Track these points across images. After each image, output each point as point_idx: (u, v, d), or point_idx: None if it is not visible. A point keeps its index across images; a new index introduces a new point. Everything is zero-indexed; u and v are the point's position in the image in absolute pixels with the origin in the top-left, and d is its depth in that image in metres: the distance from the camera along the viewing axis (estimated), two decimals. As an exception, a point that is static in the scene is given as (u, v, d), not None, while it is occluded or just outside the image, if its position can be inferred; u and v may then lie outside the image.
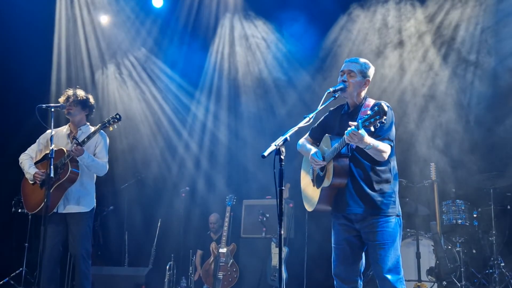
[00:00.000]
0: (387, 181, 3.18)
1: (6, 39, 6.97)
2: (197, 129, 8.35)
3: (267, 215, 6.88)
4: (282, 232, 2.78)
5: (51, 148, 4.12)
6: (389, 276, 3.07)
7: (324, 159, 3.23)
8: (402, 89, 7.03)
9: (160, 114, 8.38)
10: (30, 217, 6.45)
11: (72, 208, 4.44)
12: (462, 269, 5.68)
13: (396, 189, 3.24)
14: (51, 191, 4.19)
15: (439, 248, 5.74)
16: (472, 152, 6.33)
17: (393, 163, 3.25)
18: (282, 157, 2.80)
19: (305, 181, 3.56)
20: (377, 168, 3.17)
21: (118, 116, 4.35)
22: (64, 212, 4.43)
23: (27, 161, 4.60)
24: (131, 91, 8.39)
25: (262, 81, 8.03)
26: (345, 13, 7.45)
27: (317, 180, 3.36)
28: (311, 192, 3.43)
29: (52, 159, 4.10)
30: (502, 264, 5.71)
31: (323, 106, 3.12)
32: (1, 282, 6.18)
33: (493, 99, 6.39)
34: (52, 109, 4.29)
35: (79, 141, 4.29)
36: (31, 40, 7.13)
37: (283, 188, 2.79)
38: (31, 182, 4.51)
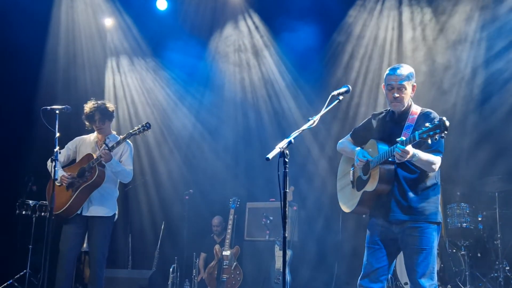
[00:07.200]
0: (432, 187, 3.20)
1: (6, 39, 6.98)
2: (201, 130, 8.35)
3: (271, 218, 6.88)
4: (286, 235, 2.77)
5: (55, 150, 4.15)
6: (422, 281, 3.07)
7: (369, 163, 3.23)
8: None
9: (164, 116, 8.39)
10: (34, 219, 6.47)
11: (95, 212, 4.52)
12: (467, 273, 5.65)
13: (439, 196, 3.26)
14: (76, 193, 4.43)
15: (444, 252, 5.72)
16: (477, 155, 6.30)
17: (439, 171, 3.24)
18: (287, 159, 2.79)
19: (343, 181, 3.56)
20: (423, 174, 3.17)
21: (147, 125, 4.41)
22: (87, 214, 4.52)
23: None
24: (135, 93, 8.42)
25: (267, 83, 8.03)
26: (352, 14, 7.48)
27: (358, 183, 3.36)
28: (349, 193, 3.44)
29: (57, 161, 4.15)
30: (507, 268, 5.68)
31: (327, 109, 3.11)
32: (5, 284, 6.18)
33: (499, 102, 6.37)
34: (57, 111, 4.30)
35: (109, 146, 4.38)
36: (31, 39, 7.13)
37: (287, 190, 2.79)
38: (58, 184, 4.54)
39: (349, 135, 3.62)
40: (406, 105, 3.26)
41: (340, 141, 3.63)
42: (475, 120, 6.56)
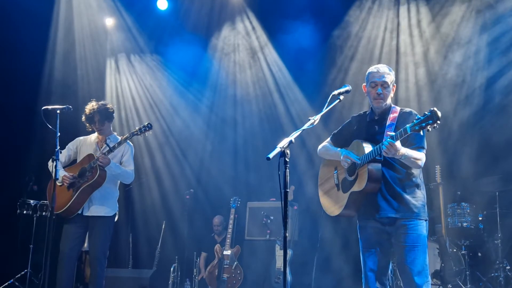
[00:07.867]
0: (418, 185, 3.24)
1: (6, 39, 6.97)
2: (202, 130, 8.35)
3: (271, 217, 6.88)
4: (287, 234, 2.78)
5: (56, 150, 4.17)
6: (417, 279, 3.09)
7: (356, 163, 3.24)
8: (406, 89, 7.01)
9: (165, 116, 8.40)
10: (35, 219, 6.49)
11: (96, 211, 4.54)
12: (467, 272, 5.66)
13: (425, 193, 3.29)
14: (77, 193, 4.43)
15: (444, 251, 5.72)
16: (478, 155, 6.30)
17: (421, 170, 3.29)
18: (287, 159, 2.80)
19: (326, 186, 3.56)
20: (409, 172, 3.21)
21: (149, 125, 4.42)
22: (88, 214, 4.53)
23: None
24: (136, 93, 8.43)
25: (267, 83, 8.04)
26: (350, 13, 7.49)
27: (344, 185, 3.36)
28: (335, 196, 3.43)
29: (57, 161, 4.17)
30: (508, 267, 5.68)
31: (328, 108, 3.12)
32: (6, 284, 6.19)
33: (499, 102, 6.37)
34: (58, 111, 4.32)
35: (110, 146, 4.39)
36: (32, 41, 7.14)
37: (288, 190, 2.79)
38: (59, 184, 4.56)
39: (329, 138, 3.64)
40: (387, 103, 3.31)
41: (321, 145, 3.63)
42: (475, 120, 6.55)
